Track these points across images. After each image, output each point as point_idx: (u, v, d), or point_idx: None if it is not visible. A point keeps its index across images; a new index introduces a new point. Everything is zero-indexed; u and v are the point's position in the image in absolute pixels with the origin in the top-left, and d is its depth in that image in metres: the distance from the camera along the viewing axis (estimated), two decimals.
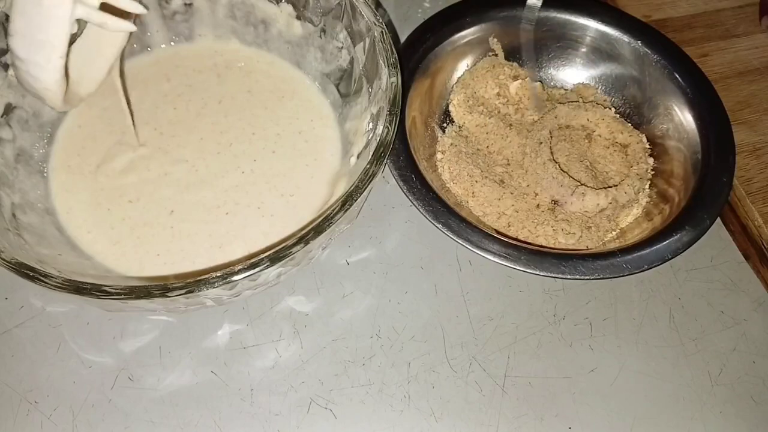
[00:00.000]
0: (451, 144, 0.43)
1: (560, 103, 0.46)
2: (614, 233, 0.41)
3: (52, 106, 0.33)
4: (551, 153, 0.42)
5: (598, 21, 0.46)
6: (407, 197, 0.38)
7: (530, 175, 0.42)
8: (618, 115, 0.45)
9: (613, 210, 0.41)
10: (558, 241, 0.40)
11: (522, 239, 0.40)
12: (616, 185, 0.41)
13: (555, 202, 0.41)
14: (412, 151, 0.40)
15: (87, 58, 0.34)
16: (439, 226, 0.37)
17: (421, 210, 0.37)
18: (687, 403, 0.37)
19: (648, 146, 0.44)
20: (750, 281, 0.42)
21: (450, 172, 0.42)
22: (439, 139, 0.44)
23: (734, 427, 0.37)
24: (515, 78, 0.46)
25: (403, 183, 0.38)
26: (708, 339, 0.40)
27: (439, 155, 0.44)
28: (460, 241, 0.36)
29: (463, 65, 0.46)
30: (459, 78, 0.46)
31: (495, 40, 0.46)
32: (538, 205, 0.41)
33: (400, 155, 0.39)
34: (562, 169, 0.41)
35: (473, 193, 0.41)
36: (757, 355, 0.39)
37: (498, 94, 0.46)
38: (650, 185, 0.43)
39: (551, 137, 0.43)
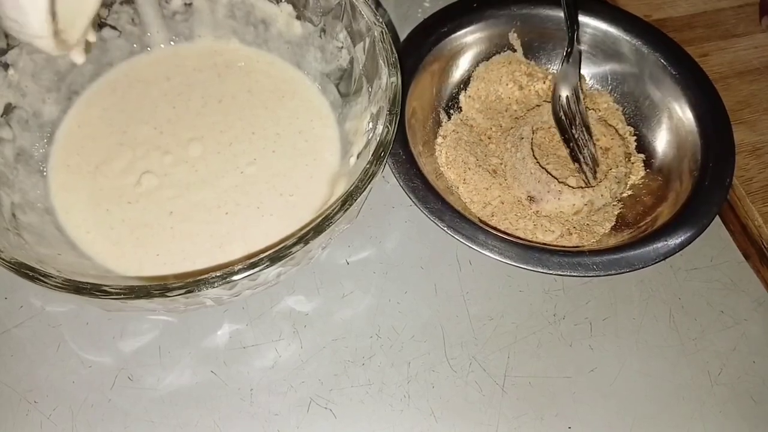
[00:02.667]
0: (454, 130, 0.44)
1: (546, 101, 0.46)
2: (597, 237, 0.41)
3: (44, 49, 0.32)
4: (532, 150, 0.42)
5: (599, 20, 0.46)
6: (394, 176, 0.39)
7: (509, 170, 0.42)
8: (605, 120, 0.46)
9: (588, 213, 0.41)
10: (536, 236, 0.40)
11: (502, 230, 0.40)
12: (593, 187, 0.41)
13: (531, 198, 0.41)
14: (407, 131, 0.40)
15: (72, 6, 0.34)
16: (416, 201, 0.38)
17: (401, 183, 0.38)
18: (687, 403, 0.37)
19: (630, 151, 0.44)
20: (750, 281, 0.42)
21: (446, 156, 0.43)
22: (442, 124, 0.45)
23: (734, 427, 0.37)
24: (529, 75, 0.47)
25: (395, 166, 0.39)
26: (708, 339, 0.40)
27: (439, 139, 0.44)
28: (444, 228, 0.37)
29: (479, 55, 0.47)
30: (474, 69, 0.47)
31: (515, 35, 0.47)
32: (522, 200, 0.42)
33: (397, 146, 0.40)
34: (542, 166, 0.41)
35: (464, 179, 0.42)
36: (757, 355, 0.39)
37: (511, 91, 0.46)
38: (647, 184, 0.43)
39: (534, 134, 0.43)
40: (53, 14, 0.31)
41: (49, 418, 0.35)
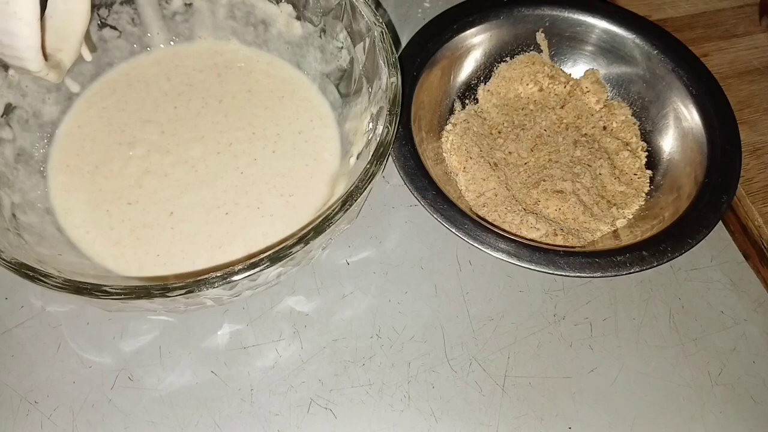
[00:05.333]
0: (465, 120, 0.45)
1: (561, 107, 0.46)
2: (584, 242, 0.41)
3: (34, 71, 0.32)
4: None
5: (605, 20, 0.46)
6: (395, 167, 0.39)
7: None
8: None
9: (586, 215, 0.41)
10: (521, 231, 0.40)
11: (489, 221, 0.40)
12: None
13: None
14: (412, 121, 0.41)
15: (61, 30, 0.34)
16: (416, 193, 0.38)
17: (401, 172, 0.39)
18: (687, 403, 0.37)
19: (640, 166, 0.44)
20: (750, 281, 0.42)
21: (452, 143, 0.44)
22: (455, 112, 0.46)
23: (734, 427, 0.37)
24: (552, 78, 0.47)
25: (397, 156, 0.39)
26: (708, 339, 0.40)
27: (449, 126, 0.45)
28: (444, 223, 0.37)
29: (503, 51, 0.47)
30: (497, 64, 0.47)
31: (543, 36, 0.47)
32: (514, 195, 0.42)
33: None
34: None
35: (464, 168, 0.43)
36: (757, 355, 0.39)
37: (530, 91, 0.47)
38: (653, 185, 0.43)
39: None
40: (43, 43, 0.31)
41: (49, 418, 0.35)
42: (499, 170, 0.43)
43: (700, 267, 0.42)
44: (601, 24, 0.46)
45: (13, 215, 0.35)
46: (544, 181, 0.42)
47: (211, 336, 0.38)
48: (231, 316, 0.38)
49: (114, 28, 0.42)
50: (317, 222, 0.30)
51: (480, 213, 0.41)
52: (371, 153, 0.33)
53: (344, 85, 0.42)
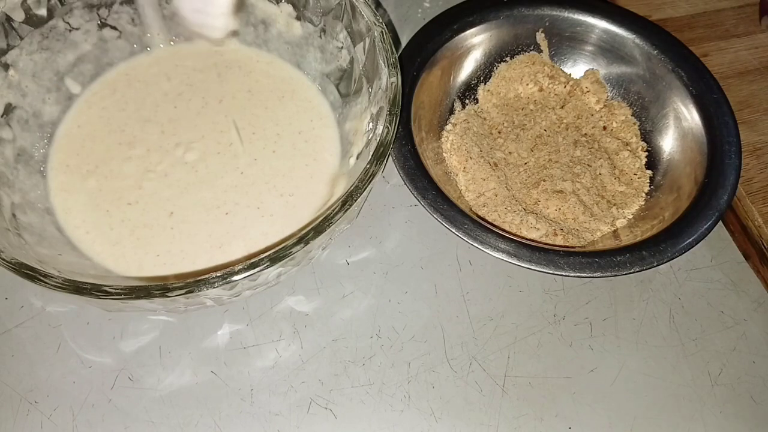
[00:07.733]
0: (465, 120, 0.45)
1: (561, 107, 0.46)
2: (584, 242, 0.41)
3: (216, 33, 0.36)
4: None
5: (605, 20, 0.46)
6: (395, 166, 0.39)
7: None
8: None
9: (584, 214, 0.41)
10: (521, 231, 0.40)
11: (489, 221, 0.40)
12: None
13: None
14: (412, 121, 0.41)
15: None
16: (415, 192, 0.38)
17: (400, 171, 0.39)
18: (687, 403, 0.37)
19: (640, 166, 0.44)
20: (750, 281, 0.42)
21: (451, 143, 0.44)
22: (455, 112, 0.46)
23: (734, 427, 0.37)
24: (552, 78, 0.47)
25: (397, 156, 0.39)
26: (708, 339, 0.40)
27: (449, 126, 0.45)
28: (443, 222, 0.37)
29: (503, 51, 0.47)
30: (497, 64, 0.47)
31: (543, 36, 0.47)
32: (514, 195, 0.42)
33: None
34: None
35: (464, 168, 0.43)
36: (757, 355, 0.39)
37: (530, 91, 0.47)
38: (652, 185, 0.43)
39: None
40: None
41: (49, 418, 0.35)
42: (499, 170, 0.43)
43: (700, 267, 0.42)
44: (601, 24, 0.46)
45: (13, 215, 0.35)
46: (544, 181, 0.42)
47: (211, 336, 0.38)
48: (231, 316, 0.38)
49: (114, 28, 0.42)
50: (317, 222, 0.30)
51: (480, 213, 0.41)
52: (371, 153, 0.33)
53: (344, 85, 0.42)
